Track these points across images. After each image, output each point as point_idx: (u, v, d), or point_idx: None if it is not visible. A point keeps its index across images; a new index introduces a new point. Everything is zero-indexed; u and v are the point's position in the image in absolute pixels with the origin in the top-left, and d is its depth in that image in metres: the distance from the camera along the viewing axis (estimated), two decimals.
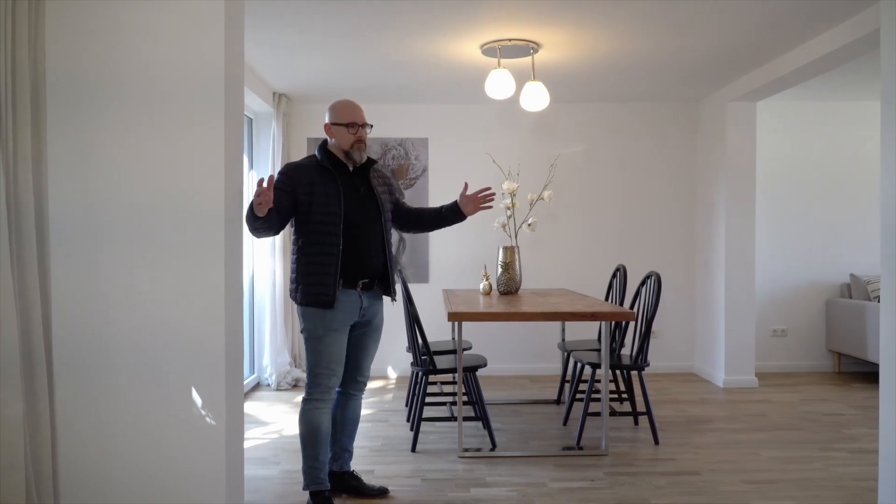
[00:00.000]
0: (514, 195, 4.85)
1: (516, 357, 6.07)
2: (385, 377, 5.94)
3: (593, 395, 4.11)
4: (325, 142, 3.07)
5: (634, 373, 4.94)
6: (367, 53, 4.47)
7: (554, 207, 6.03)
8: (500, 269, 4.67)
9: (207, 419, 2.13)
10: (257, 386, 5.48)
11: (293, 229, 2.98)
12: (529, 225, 4.89)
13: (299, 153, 5.97)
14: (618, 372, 4.54)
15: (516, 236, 4.95)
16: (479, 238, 6.03)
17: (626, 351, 5.97)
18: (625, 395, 4.69)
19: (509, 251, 4.68)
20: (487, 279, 4.66)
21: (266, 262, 5.49)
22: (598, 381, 4.05)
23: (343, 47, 4.34)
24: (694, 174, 6.18)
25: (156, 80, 2.17)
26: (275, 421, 4.51)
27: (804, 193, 6.19)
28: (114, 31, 2.16)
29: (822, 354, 6.23)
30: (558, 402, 4.97)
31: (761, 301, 6.08)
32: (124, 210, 2.17)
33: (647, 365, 4.03)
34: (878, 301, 5.85)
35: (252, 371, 5.57)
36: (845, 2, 3.59)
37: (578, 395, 4.58)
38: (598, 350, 4.52)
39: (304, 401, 2.95)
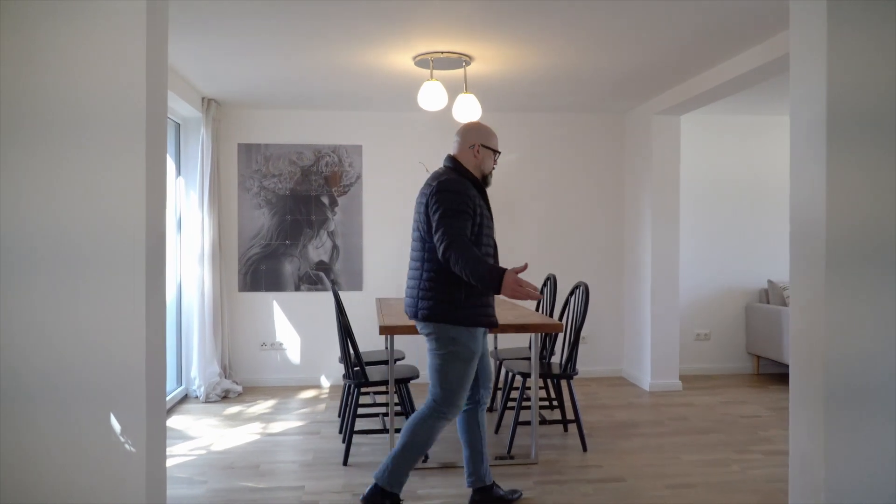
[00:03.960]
0: None
1: None
2: (318, 386, 5.89)
3: (524, 404, 4.19)
4: (456, 160, 3.04)
5: (564, 380, 5.04)
6: (298, 61, 4.43)
7: (496, 216, 6.08)
8: None
9: (127, 446, 2.08)
10: (185, 398, 5.35)
11: (433, 247, 2.90)
12: None
13: (230, 160, 5.85)
14: (548, 380, 4.63)
15: None
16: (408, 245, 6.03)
17: (556, 359, 6.10)
18: (555, 403, 4.78)
19: None
20: None
21: (194, 269, 5.37)
22: (529, 388, 4.13)
23: (274, 54, 4.28)
24: (621, 184, 6.36)
25: (70, 103, 2.09)
26: (201, 435, 4.41)
27: (725, 203, 6.45)
28: (25, 50, 2.08)
29: (742, 357, 6.51)
30: (491, 409, 5.02)
31: (685, 306, 6.30)
32: (36, 234, 2.09)
33: (576, 373, 4.13)
34: None
35: (179, 383, 5.43)
36: (758, 27, 3.76)
37: (510, 404, 4.65)
38: (529, 359, 4.60)
39: (435, 416, 2.96)
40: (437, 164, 6.19)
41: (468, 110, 4.44)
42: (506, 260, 6.21)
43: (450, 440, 4.28)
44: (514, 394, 5.17)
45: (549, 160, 6.26)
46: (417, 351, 5.94)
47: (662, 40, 4.00)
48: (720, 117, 6.42)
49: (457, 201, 2.83)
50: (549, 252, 6.25)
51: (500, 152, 3.16)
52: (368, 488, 3.08)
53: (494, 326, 3.01)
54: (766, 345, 6.15)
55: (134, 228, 2.15)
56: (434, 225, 2.85)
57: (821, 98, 2.25)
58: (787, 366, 6.41)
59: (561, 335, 4.62)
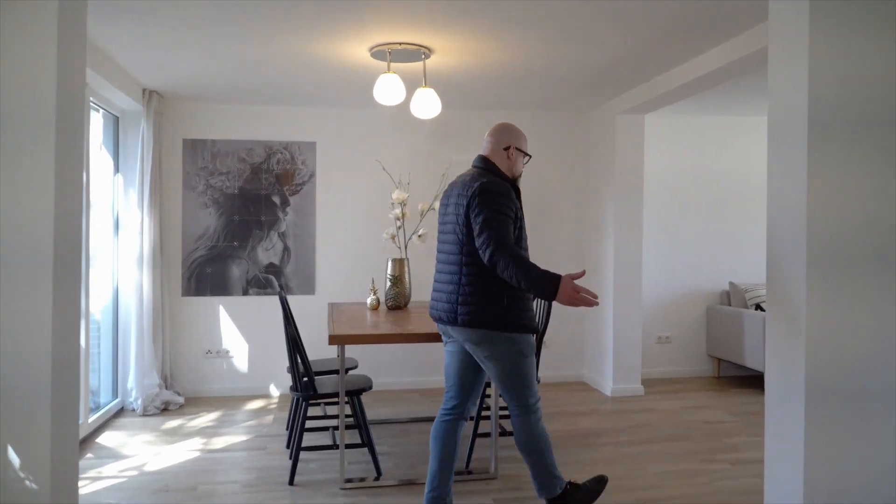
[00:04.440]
0: (405, 205, 4.66)
1: (405, 370, 5.88)
2: (266, 396, 5.59)
3: (483, 413, 3.99)
4: (489, 161, 2.99)
5: None
6: (247, 51, 4.14)
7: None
8: (388, 283, 4.45)
9: (28, 483, 1.80)
10: (121, 412, 4.99)
11: (475, 251, 2.80)
12: (420, 236, 4.71)
13: (174, 156, 5.52)
14: None
15: (406, 248, 4.76)
16: (368, 249, 5.79)
17: None
18: None
19: (398, 264, 4.48)
20: (375, 293, 4.44)
21: (132, 273, 5.02)
22: (489, 396, 3.93)
23: (221, 43, 3.99)
24: (584, 184, 6.21)
25: None
26: (135, 453, 4.08)
27: (687, 205, 6.35)
28: None
29: (703, 360, 6.42)
30: None
31: (647, 309, 6.18)
32: None
33: (538, 381, 3.93)
34: (755, 308, 6.12)
35: (115, 395, 5.08)
36: (726, 25, 3.62)
37: None
38: None
39: (532, 412, 2.91)
40: (393, 162, 6.00)
41: (427, 105, 4.22)
42: None
43: (406, 454, 4.05)
44: None
45: None
46: (371, 359, 5.70)
47: (628, 36, 3.84)
48: (684, 117, 6.33)
49: (501, 204, 2.77)
50: None
51: (530, 156, 3.13)
52: None
53: (536, 332, 2.90)
54: (726, 347, 6.07)
55: (40, 231, 1.87)
56: (478, 228, 2.75)
57: (802, 98, 2.20)
58: (747, 369, 6.35)
59: None
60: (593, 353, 6.02)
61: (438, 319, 2.97)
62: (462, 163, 6.06)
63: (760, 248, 6.44)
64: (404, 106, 5.49)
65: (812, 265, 2.21)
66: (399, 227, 4.70)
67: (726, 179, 6.41)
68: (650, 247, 6.23)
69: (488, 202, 2.75)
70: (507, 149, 3.01)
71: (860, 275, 2.27)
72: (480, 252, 2.74)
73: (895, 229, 2.30)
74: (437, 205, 4.71)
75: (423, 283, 5.83)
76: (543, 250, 6.13)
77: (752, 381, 6.13)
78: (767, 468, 2.47)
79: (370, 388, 3.74)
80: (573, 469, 3.80)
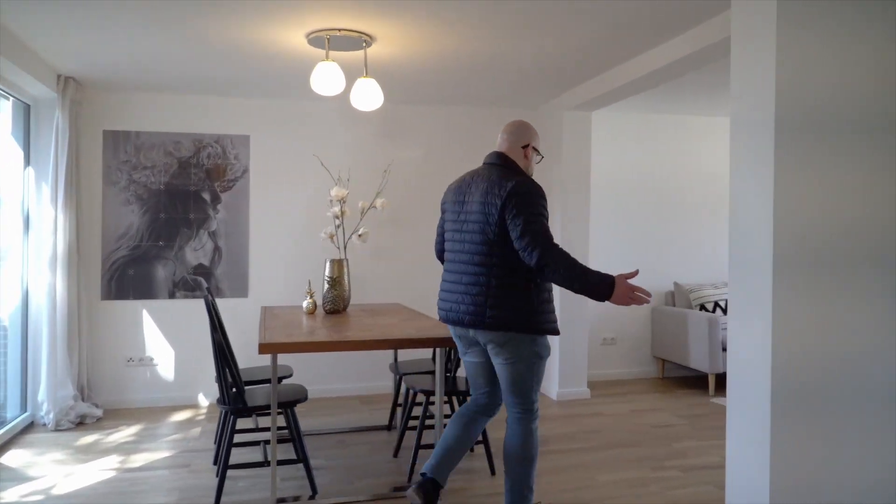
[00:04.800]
0: (344, 202, 4.39)
1: (344, 376, 5.61)
2: (194, 406, 5.23)
3: (427, 422, 3.77)
4: (508, 158, 2.90)
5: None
6: (174, 36, 3.81)
7: (393, 215, 5.64)
8: (326, 285, 4.18)
9: None
10: (30, 427, 4.56)
11: (512, 252, 2.70)
12: (360, 236, 4.46)
13: (93, 149, 5.11)
14: (453, 397, 4.22)
15: (345, 248, 4.50)
16: (305, 250, 5.50)
17: (462, 372, 5.73)
18: None
19: (337, 265, 4.21)
20: (311, 297, 4.16)
21: (44, 275, 4.60)
22: (433, 403, 3.71)
23: (144, 27, 3.65)
24: None
25: None
26: (43, 475, 3.68)
27: (634, 204, 6.28)
28: None
29: (648, 361, 6.36)
30: (389, 427, 4.58)
31: (592, 310, 6.08)
32: None
33: None
34: (700, 309, 6.10)
35: (24, 409, 4.64)
36: (679, 18, 3.51)
37: (411, 423, 4.22)
38: (433, 373, 4.18)
39: (531, 420, 2.84)
40: (333, 158, 5.73)
41: (368, 97, 3.97)
42: (414, 262, 5.79)
43: (345, 468, 3.80)
44: (417, 410, 4.74)
45: (456, 157, 5.87)
46: (307, 365, 5.42)
47: (577, 30, 3.68)
48: (631, 116, 6.25)
49: (540, 204, 2.70)
50: None
51: (543, 156, 3.09)
52: None
53: (557, 334, 2.86)
54: (671, 348, 6.02)
55: None
56: (519, 230, 2.64)
57: (769, 100, 2.16)
58: (691, 369, 6.33)
59: None
60: None
61: (459, 323, 2.84)
62: (406, 160, 5.86)
63: (705, 248, 6.43)
64: (344, 97, 5.24)
65: (779, 266, 2.17)
66: (338, 226, 4.44)
67: (672, 179, 6.37)
68: (596, 246, 6.13)
69: (528, 203, 2.67)
70: (525, 147, 2.94)
71: (826, 276, 2.25)
72: (524, 254, 2.64)
73: (861, 230, 2.27)
74: (378, 202, 4.49)
75: (364, 286, 5.58)
76: None
77: (696, 381, 6.10)
78: (729, 470, 2.43)
79: (305, 398, 3.47)
80: None
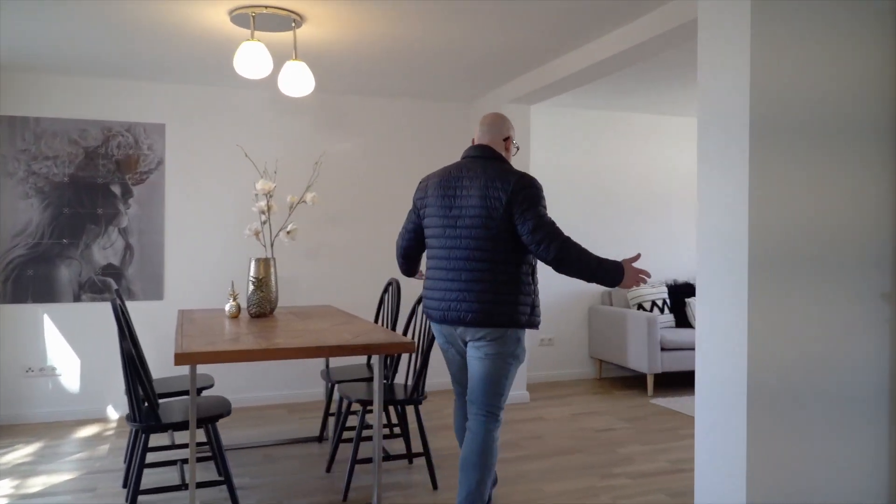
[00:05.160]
0: (271, 196, 4.05)
1: (270, 383, 5.24)
2: (103, 419, 4.76)
3: (364, 434, 3.49)
4: (495, 151, 2.86)
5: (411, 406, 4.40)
6: (79, 12, 3.38)
7: (324, 210, 5.31)
8: (251, 287, 3.83)
9: None
10: None
11: (514, 247, 2.70)
12: (288, 233, 4.12)
13: None
14: (391, 406, 3.95)
15: (272, 246, 4.15)
16: (228, 248, 5.11)
17: (399, 378, 5.47)
18: (397, 431, 4.13)
19: (263, 264, 3.87)
20: (235, 299, 3.80)
21: None
22: (371, 411, 3.42)
23: (42, 1, 3.22)
24: None
25: None
26: None
27: (570, 201, 6.15)
28: None
29: (585, 362, 6.26)
30: (321, 439, 4.26)
31: None
32: None
33: (425, 397, 3.49)
34: (637, 308, 6.03)
35: None
36: (622, 9, 3.35)
37: (346, 434, 3.92)
38: (368, 380, 3.90)
39: (496, 427, 2.78)
40: (258, 149, 5.34)
41: (298, 81, 3.65)
42: (346, 260, 5.47)
43: (273, 486, 3.47)
44: (350, 420, 4.45)
45: (390, 152, 5.59)
46: (229, 372, 5.04)
47: (520, 18, 3.48)
48: (571, 111, 6.13)
49: (543, 198, 2.72)
50: (389, 253, 5.58)
51: (519, 148, 3.03)
52: None
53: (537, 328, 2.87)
54: (609, 349, 5.93)
55: None
56: (531, 224, 2.63)
57: (742, 99, 2.08)
58: (628, 369, 6.26)
59: None
60: None
61: (459, 322, 2.73)
62: (338, 152, 5.54)
63: (642, 246, 6.38)
64: (271, 84, 4.88)
65: (755, 268, 2.09)
66: (264, 223, 4.09)
67: (610, 176, 6.28)
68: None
69: (536, 197, 2.68)
70: (506, 139, 2.91)
71: (803, 278, 2.17)
72: (538, 248, 2.63)
73: (837, 232, 2.21)
74: (309, 196, 4.16)
75: (293, 287, 5.24)
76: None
77: (634, 381, 6.03)
78: (699, 473, 2.35)
79: (228, 412, 3.14)
80: None
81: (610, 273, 2.64)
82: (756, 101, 2.04)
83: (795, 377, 2.15)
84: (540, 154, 6.00)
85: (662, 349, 5.53)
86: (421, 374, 3.41)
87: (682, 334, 5.62)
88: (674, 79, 5.02)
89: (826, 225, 2.18)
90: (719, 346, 2.21)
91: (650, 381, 5.55)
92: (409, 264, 3.12)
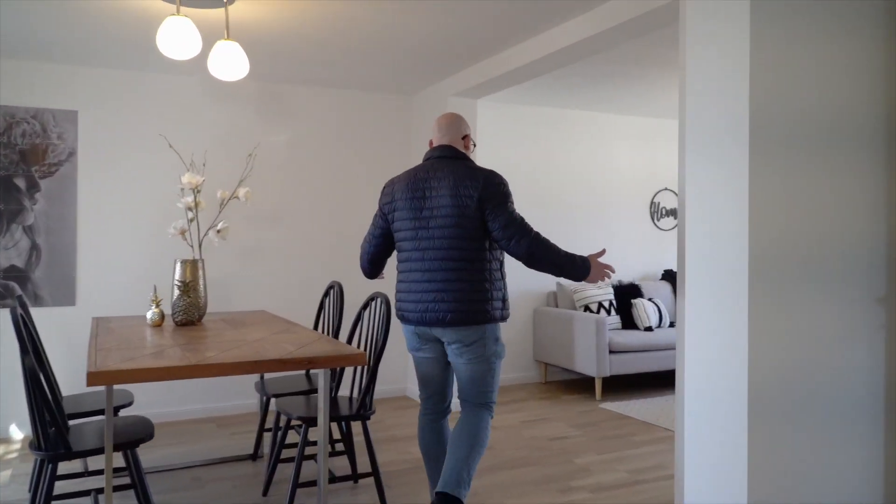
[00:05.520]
0: (199, 192, 3.67)
1: (197, 395, 4.83)
2: (4, 440, 4.24)
3: (306, 452, 3.16)
4: (459, 150, 2.89)
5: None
6: None
7: (259, 207, 4.92)
8: (176, 291, 3.44)
9: None
10: None
11: (486, 244, 2.76)
12: (219, 231, 3.75)
13: None
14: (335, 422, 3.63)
15: (200, 246, 3.77)
16: (150, 248, 4.67)
17: (343, 389, 5.15)
18: (341, 448, 3.82)
19: (190, 266, 3.48)
20: (158, 306, 3.40)
21: None
22: (314, 426, 3.11)
23: None
24: None
25: None
26: None
27: (515, 199, 5.96)
28: None
29: (530, 365, 6.08)
30: (255, 457, 3.90)
31: None
32: None
33: (373, 412, 3.19)
34: (584, 310, 5.88)
35: None
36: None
37: (285, 453, 3.58)
38: (309, 393, 3.58)
39: (489, 415, 2.86)
40: (184, 139, 4.89)
41: (231, 63, 3.28)
42: (282, 261, 5.10)
43: None
44: (289, 436, 4.10)
45: (330, 145, 5.25)
46: (151, 389, 4.60)
47: (463, 5, 3.24)
48: (518, 107, 5.93)
49: (511, 194, 2.79)
50: (329, 254, 5.25)
51: (476, 145, 3.14)
52: None
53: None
54: (555, 351, 5.77)
55: None
56: (503, 220, 2.69)
57: (742, 106, 1.96)
58: (574, 372, 6.12)
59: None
60: None
61: (438, 323, 2.75)
62: (273, 145, 5.15)
63: (586, 246, 6.24)
64: (200, 66, 4.47)
65: (754, 274, 1.96)
66: (191, 220, 3.70)
67: (553, 175, 6.13)
68: None
69: (506, 193, 2.74)
70: (464, 137, 2.95)
71: (798, 284, 2.05)
72: (509, 244, 2.69)
73: (832, 237, 2.11)
74: (242, 192, 3.80)
75: (223, 291, 4.84)
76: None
77: (581, 385, 5.89)
78: (688, 483, 2.23)
79: (150, 436, 2.76)
80: None
81: (578, 267, 2.71)
82: (756, 108, 1.94)
83: (794, 382, 2.05)
84: (481, 151, 5.78)
85: (610, 352, 5.40)
86: (369, 386, 3.11)
87: (629, 336, 5.50)
88: (617, 76, 4.90)
89: (823, 230, 2.09)
90: (715, 351, 2.04)
91: (598, 385, 5.40)
92: (374, 269, 3.06)
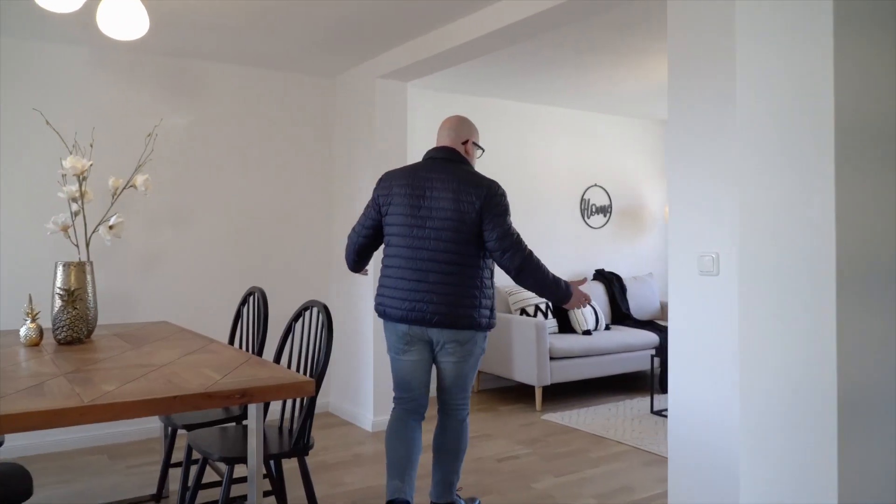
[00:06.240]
0: (85, 179, 2.99)
1: None
2: None
3: (204, 481, 2.58)
4: (460, 154, 2.87)
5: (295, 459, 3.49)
6: None
7: (160, 199, 4.22)
8: (58, 302, 2.75)
9: None
10: None
11: (480, 252, 2.78)
12: (111, 227, 3.07)
13: None
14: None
15: (88, 246, 3.07)
16: (22, 248, 3.88)
17: (271, 413, 4.53)
18: (268, 489, 3.22)
19: (76, 271, 2.80)
20: (34, 320, 2.70)
21: None
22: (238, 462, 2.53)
23: None
24: (332, 168, 5.00)
25: None
26: None
27: None
28: None
29: None
30: (159, 497, 3.25)
31: None
32: None
33: (312, 445, 2.64)
34: (521, 314, 5.49)
35: None
36: None
37: (202, 496, 2.96)
38: (227, 422, 2.99)
39: (467, 415, 2.94)
40: (67, 115, 3.98)
41: (125, 18, 2.63)
42: (190, 262, 4.41)
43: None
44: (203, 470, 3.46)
45: (240, 130, 4.61)
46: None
47: None
48: (447, 95, 5.49)
49: (509, 206, 2.80)
50: (242, 254, 4.61)
51: (483, 150, 3.06)
52: None
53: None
54: (487, 358, 5.36)
55: None
56: (499, 231, 2.72)
57: (826, 107, 1.70)
58: (507, 380, 5.75)
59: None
60: (344, 375, 4.84)
61: (422, 322, 2.76)
62: (177, 127, 4.44)
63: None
64: (85, 30, 3.74)
65: (842, 282, 1.71)
66: (76, 214, 3.01)
67: (484, 168, 5.72)
68: None
69: (506, 206, 2.77)
70: (465, 143, 2.93)
71: (885, 290, 1.78)
72: (502, 256, 2.72)
73: None
74: (140, 180, 3.14)
75: (117, 299, 4.12)
76: (295, 248, 4.80)
77: (518, 394, 5.52)
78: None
79: (29, 492, 2.11)
80: None
81: (561, 291, 2.76)
82: (841, 109, 1.70)
83: (882, 398, 1.80)
84: (410, 139, 5.30)
85: (551, 358, 5.05)
86: (308, 416, 2.57)
87: (569, 341, 5.18)
88: (555, 64, 4.59)
89: None
90: (793, 361, 1.72)
91: (538, 395, 5.04)
92: (360, 261, 3.01)
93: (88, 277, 2.85)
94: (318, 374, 2.57)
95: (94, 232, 3.11)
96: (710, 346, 2.53)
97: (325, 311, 2.68)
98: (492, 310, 2.85)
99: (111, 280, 4.15)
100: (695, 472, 2.60)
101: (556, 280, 2.76)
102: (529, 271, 2.71)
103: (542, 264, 2.76)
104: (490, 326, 2.86)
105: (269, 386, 2.03)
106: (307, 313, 3.32)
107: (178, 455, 3.89)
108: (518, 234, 2.76)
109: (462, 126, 2.93)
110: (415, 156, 5.23)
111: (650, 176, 6.83)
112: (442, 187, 2.75)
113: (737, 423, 2.42)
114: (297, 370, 2.67)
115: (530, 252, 2.74)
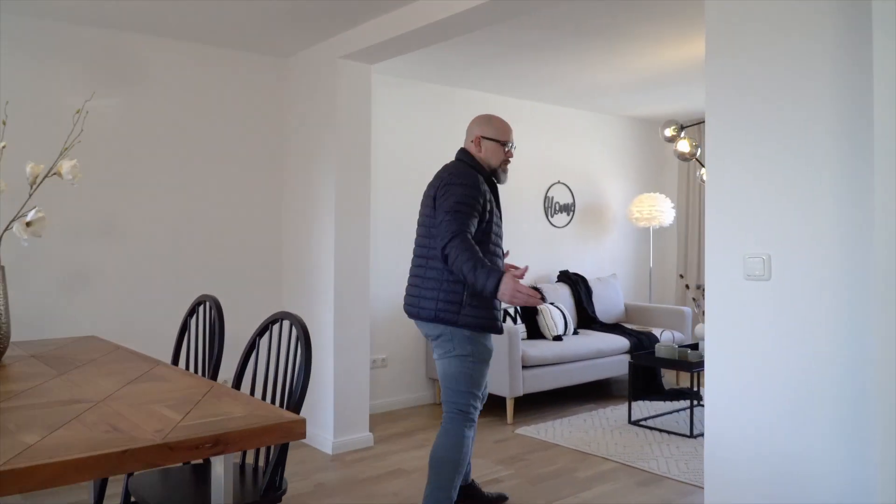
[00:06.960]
0: None
1: None
2: None
3: None
4: (468, 153, 2.90)
5: None
6: None
7: (90, 190, 3.63)
8: None
9: None
10: None
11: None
12: (29, 224, 2.51)
13: None
14: None
15: None
16: None
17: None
18: None
19: None
20: None
21: None
22: None
23: None
24: (286, 158, 4.49)
25: None
26: None
27: (413, 188, 5.07)
28: None
29: (423, 384, 5.25)
30: None
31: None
32: None
33: (284, 491, 2.18)
34: None
35: None
36: None
37: None
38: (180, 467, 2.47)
39: (463, 425, 2.79)
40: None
41: None
42: (136, 278, 3.83)
43: None
44: None
45: (179, 115, 4.06)
46: None
47: None
48: (412, 83, 5.06)
49: (466, 195, 2.67)
50: (186, 259, 4.06)
51: (509, 143, 2.93)
52: None
53: (500, 333, 2.81)
54: None
55: None
56: (440, 217, 2.66)
57: None
58: None
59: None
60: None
61: (413, 316, 2.83)
62: (107, 111, 3.81)
63: None
64: None
65: None
66: None
67: (447, 160, 5.32)
68: (379, 248, 4.83)
69: (454, 193, 2.67)
70: (473, 140, 2.91)
71: None
72: (437, 244, 2.67)
73: None
74: (66, 167, 2.58)
75: (35, 310, 3.51)
76: (235, 252, 4.27)
77: (485, 405, 5.13)
78: None
79: None
80: None
81: (480, 279, 2.53)
82: None
83: None
84: (384, 134, 4.85)
85: (523, 367, 4.69)
86: (282, 455, 2.10)
87: (541, 348, 4.83)
88: (525, 48, 4.25)
89: None
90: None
91: (510, 407, 4.68)
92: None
93: (1, 284, 2.29)
94: (296, 403, 2.11)
95: (6, 229, 2.54)
96: (758, 362, 2.20)
97: (301, 324, 2.22)
98: (461, 305, 2.70)
99: (28, 287, 3.54)
100: None
101: (475, 266, 2.52)
102: (452, 257, 2.57)
103: (469, 250, 2.54)
104: (466, 325, 2.70)
105: (250, 429, 1.56)
106: (274, 327, 2.84)
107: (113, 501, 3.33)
108: (452, 220, 2.58)
109: (471, 125, 2.94)
110: (379, 146, 4.79)
111: (614, 174, 6.58)
112: (429, 185, 2.85)
113: (793, 454, 2.09)
114: (263, 398, 2.20)
115: (455, 235, 2.56)
